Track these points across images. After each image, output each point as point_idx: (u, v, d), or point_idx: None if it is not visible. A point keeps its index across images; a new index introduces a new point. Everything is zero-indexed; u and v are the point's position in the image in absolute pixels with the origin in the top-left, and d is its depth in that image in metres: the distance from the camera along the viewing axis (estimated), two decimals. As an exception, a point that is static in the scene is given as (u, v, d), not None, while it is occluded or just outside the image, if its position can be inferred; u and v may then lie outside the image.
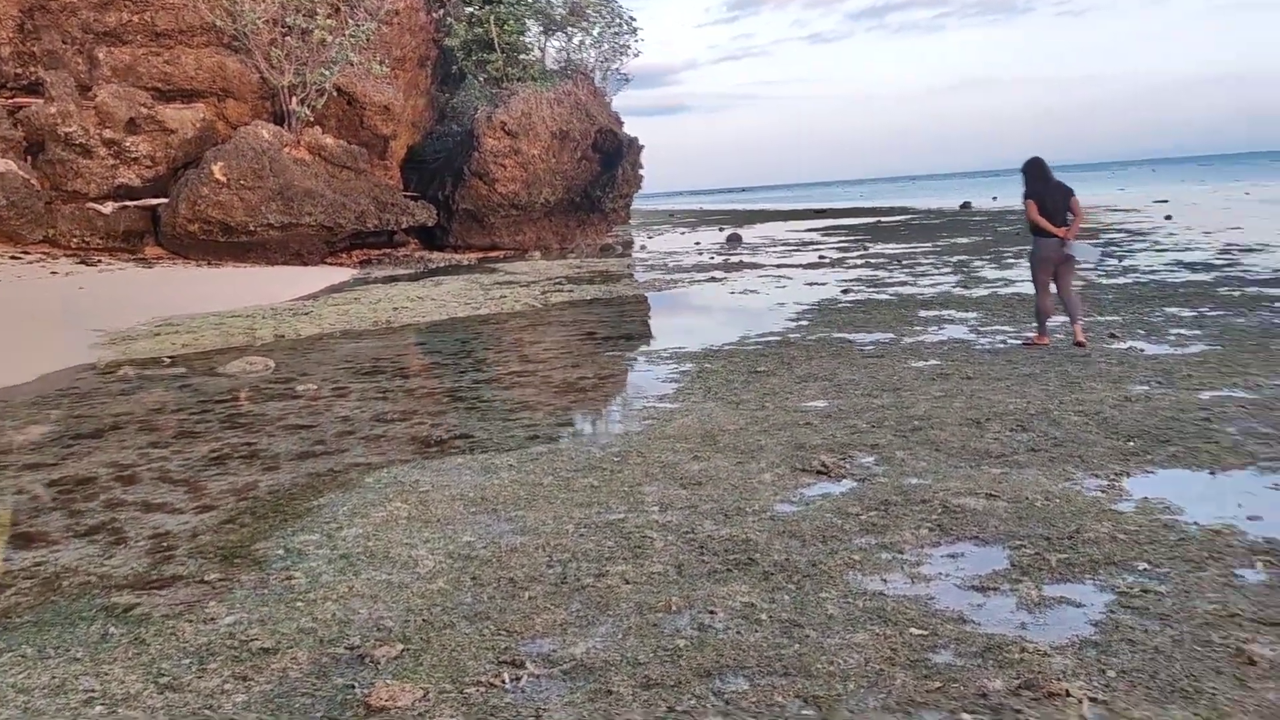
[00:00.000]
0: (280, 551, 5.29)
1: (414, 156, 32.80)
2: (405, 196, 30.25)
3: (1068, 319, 10.27)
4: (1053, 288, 10.17)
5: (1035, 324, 10.27)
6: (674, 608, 4.29)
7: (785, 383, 9.02)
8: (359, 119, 29.11)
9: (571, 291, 19.29)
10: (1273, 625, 3.85)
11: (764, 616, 4.16)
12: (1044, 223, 9.96)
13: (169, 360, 12.50)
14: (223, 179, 25.41)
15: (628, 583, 4.60)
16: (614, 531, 5.30)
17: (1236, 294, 13.36)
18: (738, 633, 4.03)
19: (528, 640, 4.07)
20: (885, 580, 4.50)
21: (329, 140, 27.89)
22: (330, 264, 27.78)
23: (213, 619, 4.45)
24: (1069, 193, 10.06)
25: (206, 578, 4.99)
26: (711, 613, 4.23)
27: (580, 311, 16.22)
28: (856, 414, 7.63)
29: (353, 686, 3.76)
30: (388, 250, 30.72)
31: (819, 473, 6.20)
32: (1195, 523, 5.00)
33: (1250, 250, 19.64)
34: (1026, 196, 10.07)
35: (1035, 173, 10.10)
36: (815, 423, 7.43)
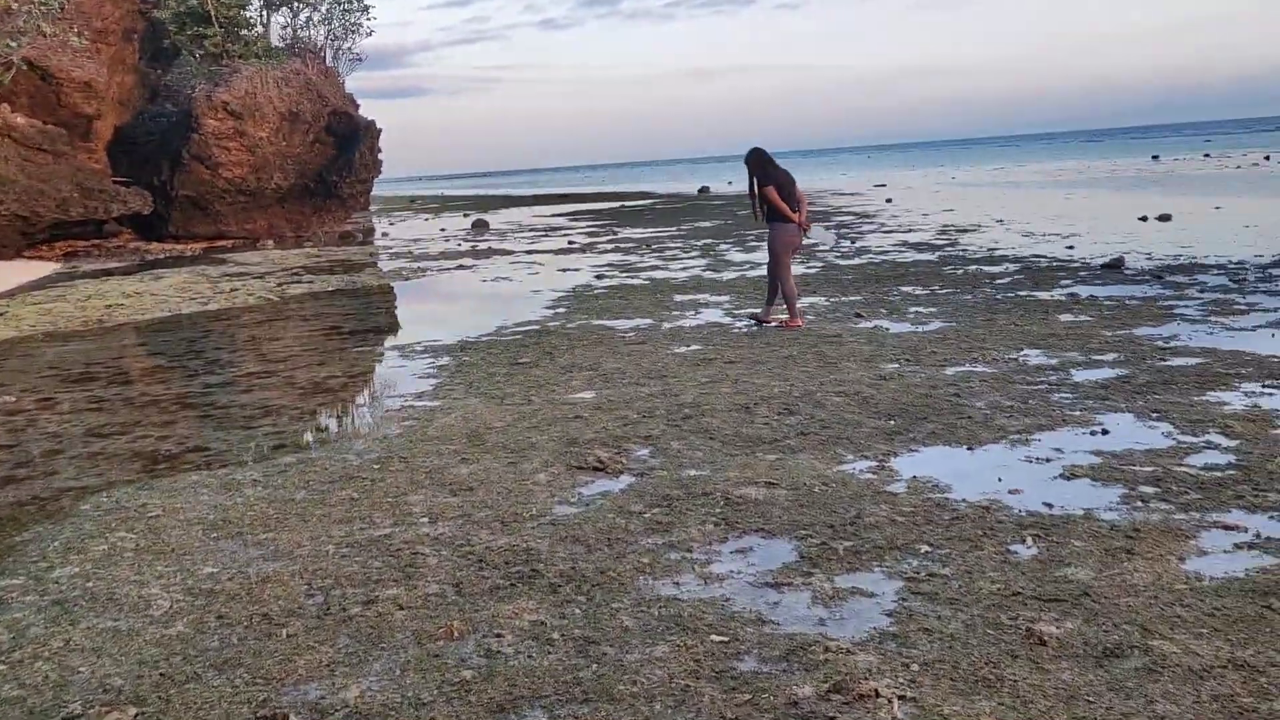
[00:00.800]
0: (-24, 603, 4.47)
1: (124, 138, 30.01)
2: (115, 182, 27.63)
3: (774, 301, 10.58)
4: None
5: (788, 309, 10.48)
6: (456, 634, 3.90)
7: (550, 374, 8.73)
8: (56, 97, 26.29)
9: (311, 282, 18.19)
10: (1053, 601, 3.92)
11: (556, 636, 3.85)
12: (786, 208, 10.19)
13: None
14: (-108, 162, 22.25)
15: (401, 608, 4.16)
16: (381, 550, 4.83)
17: (960, 272, 14.26)
18: (529, 657, 3.69)
19: (290, 687, 3.56)
20: (678, 584, 4.29)
21: (20, 120, 25.02)
22: (29, 258, 24.99)
23: (-113, 697, 3.66)
24: (794, 180, 10.38)
25: (-122, 644, 4.13)
26: (498, 636, 3.87)
27: (322, 304, 15.28)
28: (626, 404, 7.45)
29: (76, 769, 3.14)
30: (97, 242, 27.99)
31: (595, 469, 5.94)
32: (964, 500, 5.10)
33: (965, 230, 21.16)
34: (764, 183, 10.24)
35: (764, 160, 10.33)
36: (585, 415, 7.18)
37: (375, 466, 6.20)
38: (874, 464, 5.79)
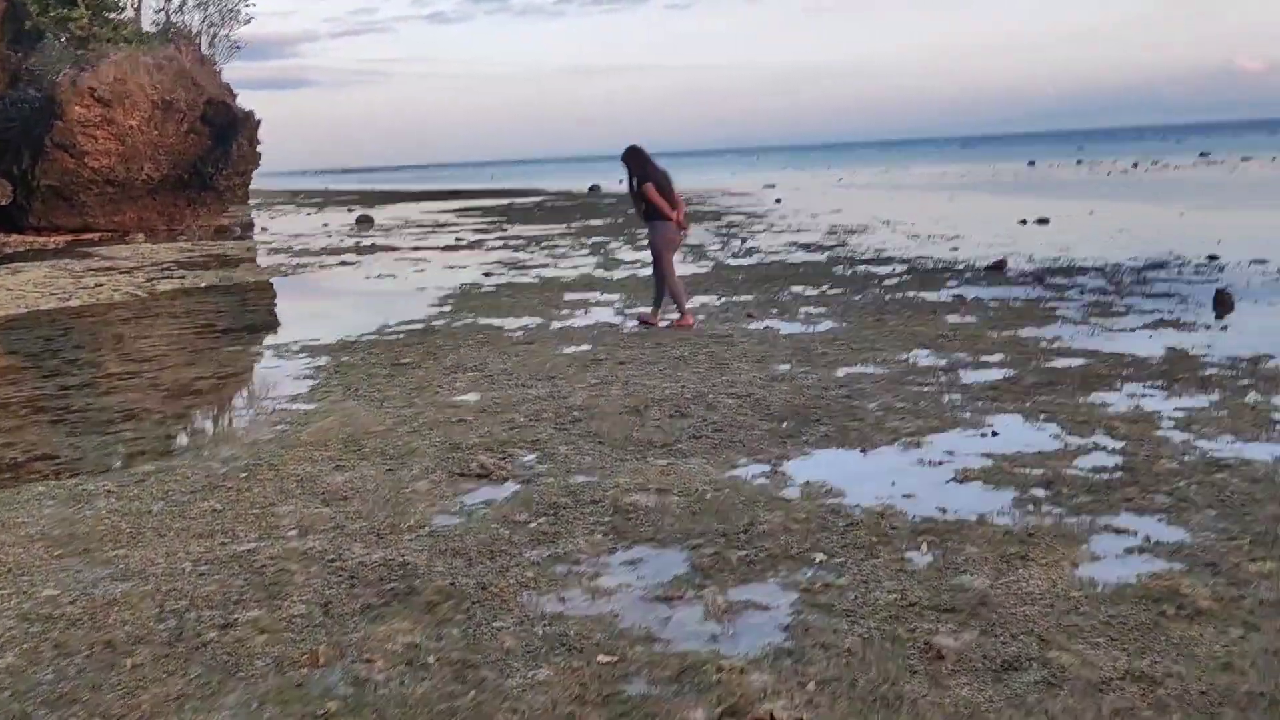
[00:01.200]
0: None
1: (-18, 124, 28.28)
2: (-28, 170, 26.03)
3: (663, 301, 10.46)
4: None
5: (677, 308, 10.33)
6: (322, 660, 3.60)
7: (433, 375, 8.39)
8: (-94, 78, 24.62)
9: (183, 278, 17.36)
10: (950, 611, 3.81)
11: (431, 659, 3.58)
12: (666, 206, 10.08)
13: None
14: None
15: (262, 632, 3.83)
16: (243, 567, 4.47)
17: (849, 273, 14.35)
18: (401, 684, 3.41)
19: (132, 727, 3.21)
20: (564, 599, 4.06)
21: None
22: (-126, 249, 23.36)
23: None
24: (670, 179, 10.34)
25: None
26: (368, 661, 3.58)
27: (194, 301, 14.56)
28: (513, 407, 7.17)
29: None
30: (-49, 233, 26.32)
31: (479, 476, 5.66)
32: (859, 505, 4.99)
33: (854, 231, 21.41)
34: (644, 180, 10.11)
35: (643, 158, 10.23)
36: (470, 419, 6.88)
37: (242, 475, 5.80)
38: (767, 468, 5.65)
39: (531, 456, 6.01)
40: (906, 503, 5.01)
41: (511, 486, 5.48)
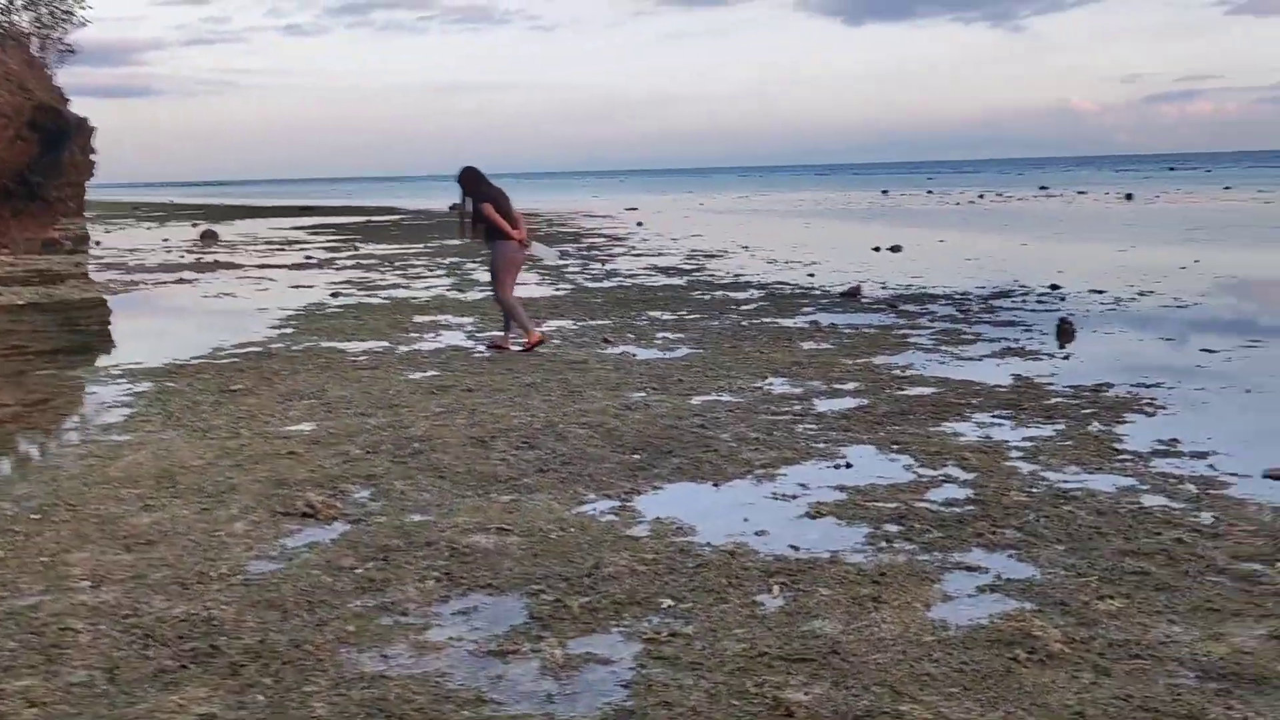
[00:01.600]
0: None
1: None
2: None
3: (513, 325, 10.17)
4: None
5: (521, 329, 10.04)
6: (98, 739, 3.14)
7: (265, 403, 7.84)
8: None
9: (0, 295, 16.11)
10: (800, 661, 3.60)
11: (228, 735, 3.16)
12: (506, 225, 9.83)
13: None
14: None
15: (32, 705, 3.34)
16: (21, 625, 3.94)
17: (708, 298, 14.29)
18: (190, 766, 2.99)
19: None
20: (387, 656, 3.68)
21: None
22: None
23: None
24: (509, 198, 10.13)
25: None
26: (153, 739, 3.14)
27: (9, 319, 13.45)
28: (349, 437, 6.72)
29: None
30: None
31: (305, 515, 5.21)
32: (709, 544, 4.76)
33: (713, 256, 21.48)
34: (481, 200, 9.84)
35: (478, 177, 10.03)
36: (301, 451, 6.40)
37: (34, 517, 5.20)
38: (616, 504, 5.39)
39: (365, 493, 5.59)
40: (758, 540, 4.81)
41: (340, 527, 5.06)
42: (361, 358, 9.81)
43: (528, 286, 15.19)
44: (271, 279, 18.26)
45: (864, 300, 13.58)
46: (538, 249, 10.60)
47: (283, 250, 26.01)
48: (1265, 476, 5.57)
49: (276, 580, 4.37)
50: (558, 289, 15.72)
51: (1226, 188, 52.82)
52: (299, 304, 14.24)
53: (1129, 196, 46.00)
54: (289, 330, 11.74)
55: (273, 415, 7.42)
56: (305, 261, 22.13)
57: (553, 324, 11.76)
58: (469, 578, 4.40)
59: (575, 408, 7.51)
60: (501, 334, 10.17)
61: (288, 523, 5.12)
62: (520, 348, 9.91)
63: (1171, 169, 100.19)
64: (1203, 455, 6.02)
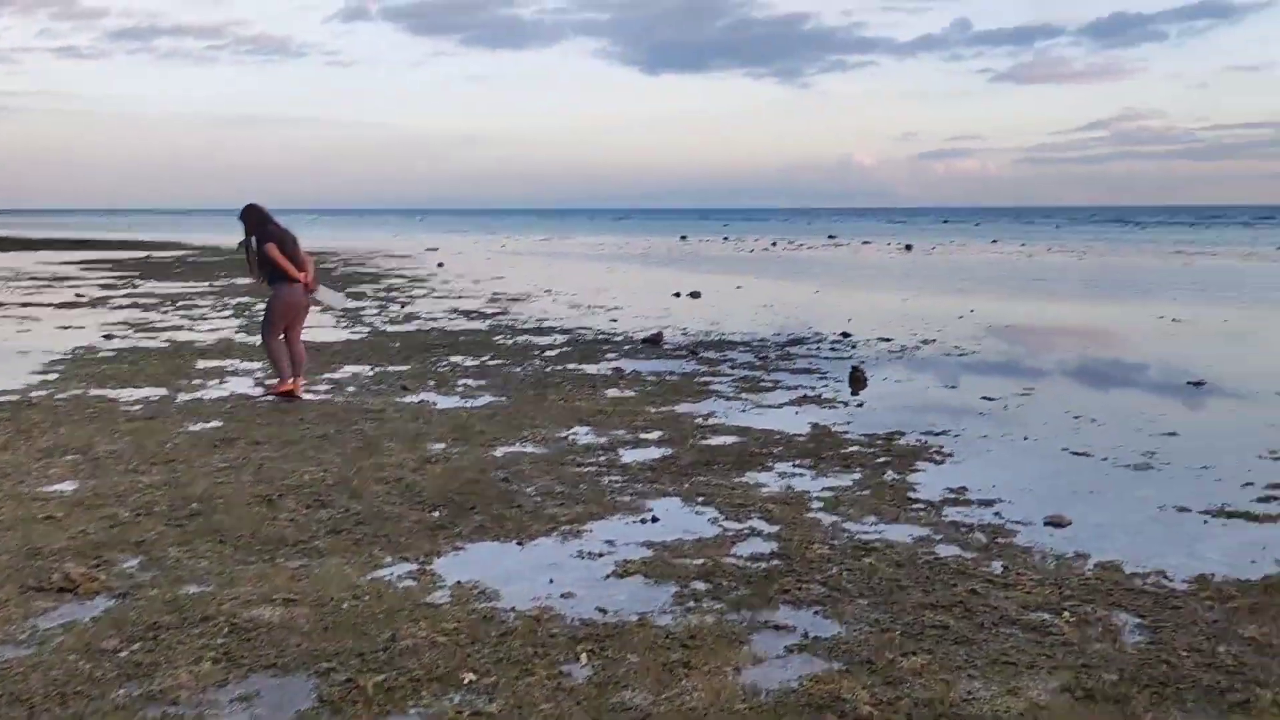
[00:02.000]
0: None
1: None
2: None
3: (302, 369, 9.77)
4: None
5: (275, 373, 9.62)
6: None
7: (21, 459, 7.09)
8: None
9: None
10: (611, 736, 3.44)
11: None
12: (291, 267, 9.42)
13: None
14: None
15: None
16: None
17: (511, 343, 14.07)
18: None
19: None
20: (152, 757, 3.29)
21: None
22: None
23: None
24: (296, 239, 9.75)
25: None
26: None
27: None
28: (118, 499, 6.14)
29: None
30: None
31: (62, 590, 4.69)
32: (513, 609, 4.56)
33: (516, 299, 21.27)
34: (264, 240, 9.41)
35: (262, 216, 9.63)
36: (60, 515, 5.80)
37: None
38: (415, 567, 5.10)
39: (133, 562, 5.09)
40: (565, 604, 4.64)
41: (102, 603, 4.57)
42: (136, 407, 9.07)
43: (322, 330, 14.59)
44: (36, 319, 16.81)
45: (666, 347, 13.70)
46: (325, 295, 10.17)
47: (50, 287, 24.08)
48: (1046, 524, 5.84)
49: (24, 669, 3.88)
50: (354, 332, 15.14)
51: (994, 241, 56.91)
52: (66, 347, 13.10)
53: (909, 247, 48.81)
54: (53, 376, 10.76)
55: (29, 474, 6.71)
56: (76, 300, 20.53)
57: (348, 370, 11.28)
58: (251, 657, 4.03)
59: (371, 461, 7.15)
60: (292, 379, 9.65)
61: (40, 600, 4.59)
62: (265, 391, 9.54)
63: (945, 221, 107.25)
64: (989, 503, 6.27)
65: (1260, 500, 6.35)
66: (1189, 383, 10.74)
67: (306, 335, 10.31)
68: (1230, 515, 6.04)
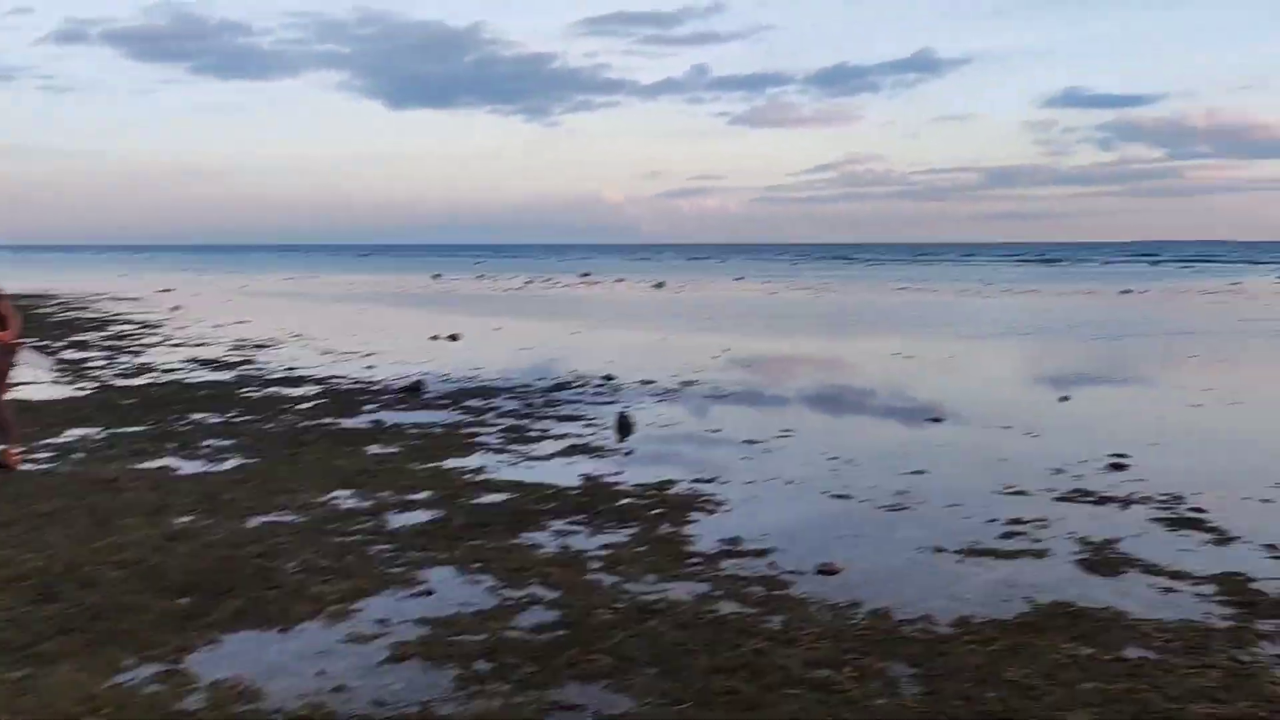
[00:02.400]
0: None
1: None
2: None
3: (14, 435, 8.80)
4: None
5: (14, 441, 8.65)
6: None
7: None
8: None
9: None
10: None
11: None
12: None
13: None
14: None
15: None
16: None
17: (259, 396, 13.24)
18: None
19: None
20: None
21: None
22: None
23: None
24: (1, 293, 8.86)
25: None
26: None
27: None
28: None
29: None
30: None
31: None
32: (280, 710, 4.18)
33: (263, 346, 20.12)
34: None
35: None
36: None
37: None
38: (163, 668, 4.61)
39: None
40: (338, 699, 4.31)
41: None
42: None
43: (39, 387, 13.19)
44: None
45: (427, 395, 13.30)
46: (31, 358, 9.22)
47: None
48: (818, 572, 5.99)
49: None
50: (78, 388, 13.81)
51: (739, 278, 59.44)
52: None
53: (660, 285, 50.15)
54: None
55: None
56: None
57: (74, 433, 10.23)
58: (-35, 800, 3.47)
59: (106, 542, 6.46)
60: (4, 447, 8.63)
61: None
62: (34, 467, 8.46)
63: (693, 259, 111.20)
64: (763, 553, 6.38)
65: (1003, 537, 6.79)
66: (928, 419, 11.46)
67: (18, 394, 9.28)
68: (980, 553, 6.41)
